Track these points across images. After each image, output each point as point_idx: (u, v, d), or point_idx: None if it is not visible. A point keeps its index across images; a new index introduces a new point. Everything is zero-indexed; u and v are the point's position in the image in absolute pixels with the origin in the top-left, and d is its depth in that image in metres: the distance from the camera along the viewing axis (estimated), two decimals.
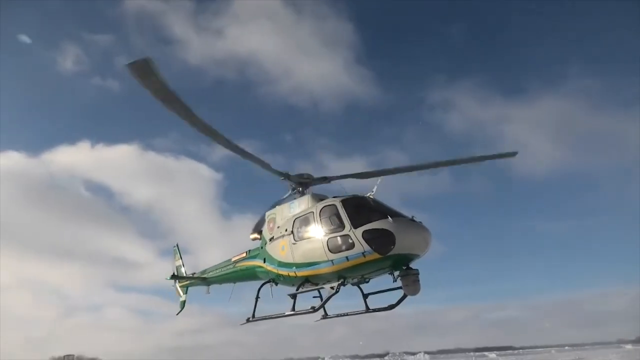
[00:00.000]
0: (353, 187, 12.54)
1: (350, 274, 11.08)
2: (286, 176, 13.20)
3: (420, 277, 10.92)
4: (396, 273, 11.13)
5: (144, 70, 8.92)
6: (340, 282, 11.11)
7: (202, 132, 10.93)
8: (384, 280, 12.06)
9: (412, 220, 10.73)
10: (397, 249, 10.21)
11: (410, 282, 10.76)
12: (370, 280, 12.45)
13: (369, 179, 12.66)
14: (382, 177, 12.26)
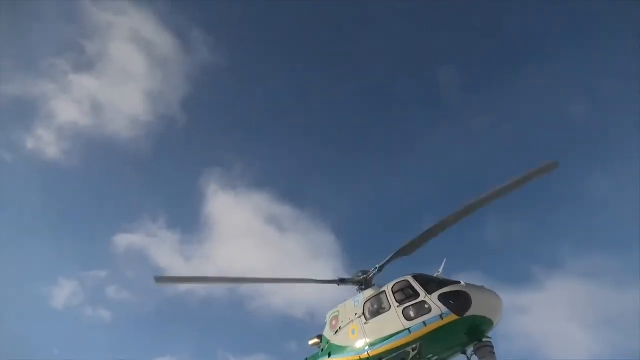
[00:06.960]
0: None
1: (428, 342, 10.49)
2: (341, 281, 13.69)
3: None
4: (470, 351, 10.63)
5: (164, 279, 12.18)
6: (420, 344, 10.47)
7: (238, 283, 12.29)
8: None
9: (484, 287, 10.66)
10: (473, 310, 9.97)
11: (487, 353, 10.14)
12: None
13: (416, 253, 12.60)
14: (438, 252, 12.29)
